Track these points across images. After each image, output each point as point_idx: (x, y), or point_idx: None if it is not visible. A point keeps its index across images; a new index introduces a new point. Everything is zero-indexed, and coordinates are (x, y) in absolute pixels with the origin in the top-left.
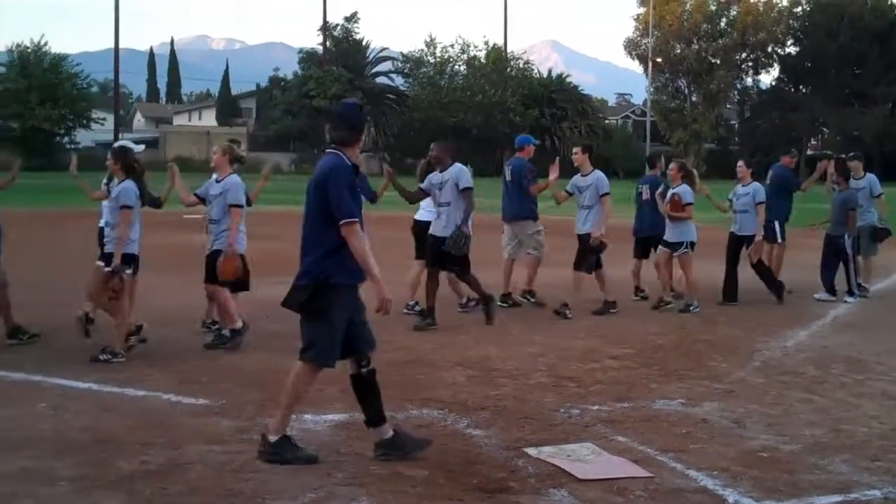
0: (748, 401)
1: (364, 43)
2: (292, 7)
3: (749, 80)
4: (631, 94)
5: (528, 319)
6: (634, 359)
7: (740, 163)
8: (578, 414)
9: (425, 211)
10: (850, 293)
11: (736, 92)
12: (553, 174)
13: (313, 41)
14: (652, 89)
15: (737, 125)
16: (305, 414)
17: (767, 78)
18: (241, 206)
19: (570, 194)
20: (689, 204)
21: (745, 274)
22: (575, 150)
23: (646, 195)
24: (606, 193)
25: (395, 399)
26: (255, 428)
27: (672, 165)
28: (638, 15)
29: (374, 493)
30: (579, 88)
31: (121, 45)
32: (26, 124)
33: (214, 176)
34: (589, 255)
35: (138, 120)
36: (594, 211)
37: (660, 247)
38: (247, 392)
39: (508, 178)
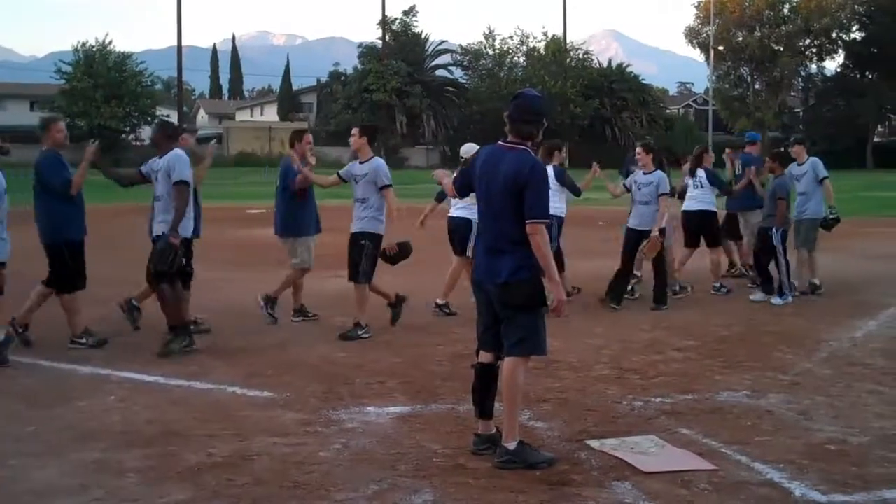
0: (815, 392)
1: (423, 36)
2: (352, 2)
3: (813, 67)
4: (692, 83)
5: (590, 311)
6: (698, 350)
7: (639, 147)
8: (641, 406)
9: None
10: (780, 293)
11: (800, 79)
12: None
13: (373, 35)
14: (714, 78)
15: (801, 113)
16: (368, 406)
17: (832, 64)
18: None
19: (345, 180)
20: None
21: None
22: (353, 130)
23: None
24: (387, 185)
25: (458, 391)
26: (319, 420)
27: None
28: (699, 3)
29: (437, 485)
30: (640, 78)
31: (183, 43)
32: (92, 122)
33: None
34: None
35: (201, 116)
36: (371, 204)
37: None
38: (310, 385)
39: (740, 171)
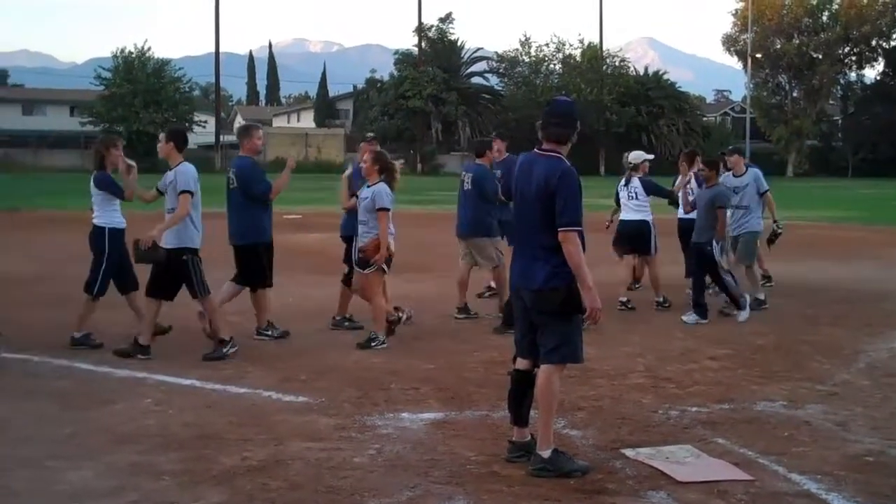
0: (853, 403)
1: (459, 43)
2: (388, 9)
3: (853, 75)
4: (730, 91)
5: (625, 319)
6: (734, 359)
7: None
8: (677, 415)
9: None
10: (739, 307)
11: (839, 87)
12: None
13: (409, 42)
14: (751, 85)
15: (840, 121)
16: (402, 412)
17: (872, 72)
18: None
19: (162, 192)
20: (385, 209)
21: (843, 272)
22: (161, 135)
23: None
24: (185, 191)
25: (492, 398)
26: (353, 426)
27: (366, 158)
28: (736, 10)
29: (471, 492)
30: (676, 85)
31: (221, 50)
32: (131, 128)
33: None
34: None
35: (239, 122)
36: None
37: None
38: (345, 390)
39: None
